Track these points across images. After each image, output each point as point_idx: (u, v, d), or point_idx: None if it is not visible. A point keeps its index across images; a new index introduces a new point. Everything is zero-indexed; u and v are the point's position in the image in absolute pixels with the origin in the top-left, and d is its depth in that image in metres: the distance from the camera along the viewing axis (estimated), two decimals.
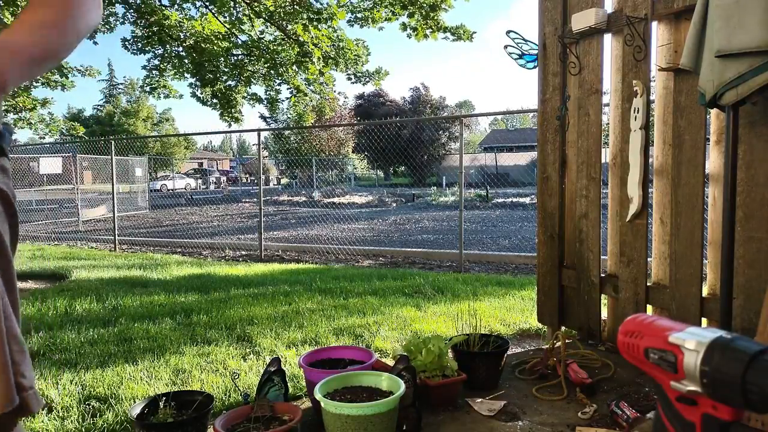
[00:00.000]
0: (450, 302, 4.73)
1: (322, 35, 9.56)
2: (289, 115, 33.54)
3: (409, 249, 9.18)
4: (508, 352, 2.95)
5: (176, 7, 9.61)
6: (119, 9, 9.63)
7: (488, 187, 22.35)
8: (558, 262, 3.46)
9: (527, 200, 19.81)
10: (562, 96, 3.37)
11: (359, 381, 2.36)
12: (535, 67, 3.59)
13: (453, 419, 2.39)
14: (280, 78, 10.57)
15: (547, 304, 3.55)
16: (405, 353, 2.57)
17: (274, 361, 2.47)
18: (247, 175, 47.87)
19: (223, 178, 43.21)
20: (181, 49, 10.01)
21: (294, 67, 10.12)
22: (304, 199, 24.08)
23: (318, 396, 2.13)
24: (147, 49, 9.98)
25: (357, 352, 2.79)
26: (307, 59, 9.55)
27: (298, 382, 2.89)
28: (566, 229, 3.44)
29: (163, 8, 9.46)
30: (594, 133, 3.20)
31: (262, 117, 39.75)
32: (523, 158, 32.73)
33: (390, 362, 3.04)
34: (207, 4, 9.57)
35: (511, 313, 4.27)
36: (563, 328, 3.45)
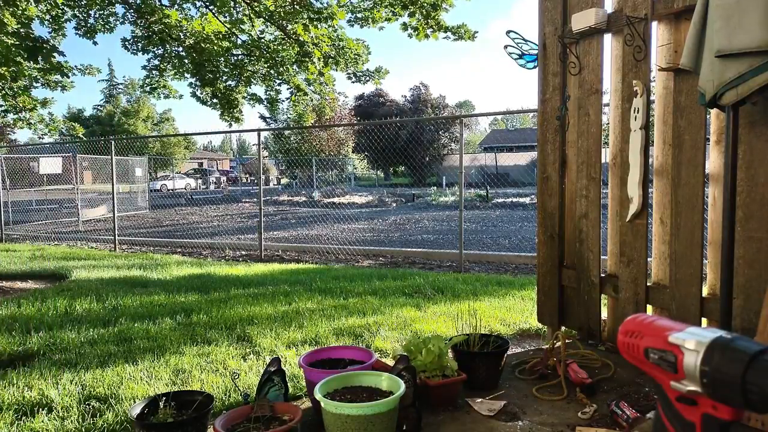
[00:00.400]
0: (450, 302, 4.73)
1: (322, 35, 9.56)
2: (289, 115, 33.55)
3: (409, 249, 9.19)
4: (508, 352, 2.95)
5: (176, 7, 9.60)
6: (119, 9, 9.63)
7: (488, 187, 22.36)
8: (558, 262, 3.46)
9: (527, 200, 19.82)
10: (562, 96, 3.37)
11: (359, 381, 2.36)
12: (535, 67, 3.59)
13: (453, 419, 2.39)
14: (280, 78, 10.57)
15: (547, 304, 3.55)
16: (405, 353, 2.57)
17: (274, 361, 2.48)
18: (247, 175, 47.86)
19: (223, 178, 43.23)
20: (181, 49, 10.00)
21: (294, 67, 10.12)
22: (304, 199, 24.08)
23: (318, 396, 2.13)
24: (147, 49, 9.98)
25: (357, 352, 2.79)
26: (307, 59, 9.55)
27: (298, 382, 2.89)
28: (566, 229, 3.44)
29: (163, 8, 9.45)
30: (594, 133, 3.20)
31: (262, 117, 39.79)
32: (523, 158, 32.74)
33: (390, 362, 3.03)
34: (207, 4, 9.57)
35: (511, 313, 4.27)
36: (563, 328, 3.45)
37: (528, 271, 7.08)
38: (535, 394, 2.62)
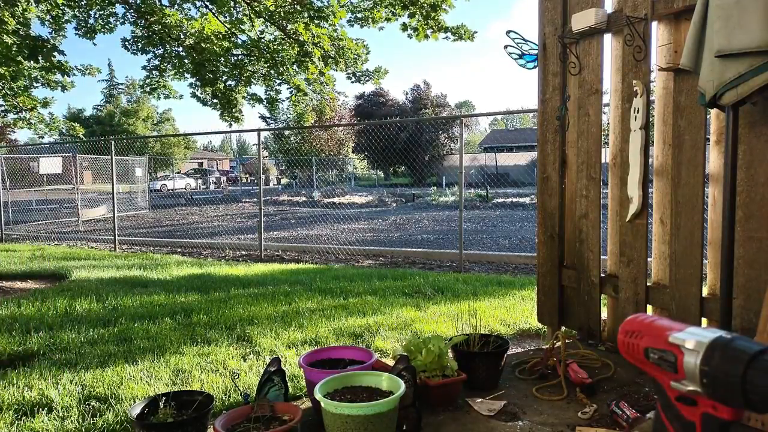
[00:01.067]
0: (450, 302, 4.73)
1: (323, 34, 9.56)
2: (289, 115, 33.55)
3: (409, 249, 9.19)
4: (508, 352, 2.95)
5: (176, 7, 9.60)
6: (119, 9, 9.63)
7: (488, 187, 22.36)
8: (558, 262, 3.46)
9: (527, 200, 19.82)
10: (562, 96, 3.37)
11: (359, 381, 2.36)
12: (535, 67, 3.59)
13: (453, 419, 2.39)
14: (280, 78, 10.57)
15: (547, 304, 3.55)
16: (405, 353, 2.57)
17: (274, 361, 2.48)
18: (247, 175, 47.87)
19: (223, 178, 43.22)
20: (181, 49, 10.00)
21: (294, 67, 10.13)
22: (304, 199, 24.08)
23: (318, 396, 2.13)
24: (147, 49, 9.97)
25: (357, 352, 2.78)
26: (308, 59, 9.55)
27: (298, 382, 2.89)
28: (566, 229, 3.44)
29: (163, 8, 9.45)
30: (594, 133, 3.20)
31: (262, 117, 39.75)
32: (523, 158, 32.73)
33: (390, 362, 3.03)
34: (207, 4, 9.56)
35: (511, 313, 4.27)
36: (563, 328, 3.45)
37: (528, 271, 7.08)
38: (535, 394, 2.62)
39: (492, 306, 4.51)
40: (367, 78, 10.99)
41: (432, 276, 6.29)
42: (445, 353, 2.58)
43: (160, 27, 9.42)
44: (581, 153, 3.28)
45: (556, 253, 3.45)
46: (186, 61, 10.09)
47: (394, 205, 21.44)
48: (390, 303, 4.76)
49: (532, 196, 19.19)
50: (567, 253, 3.45)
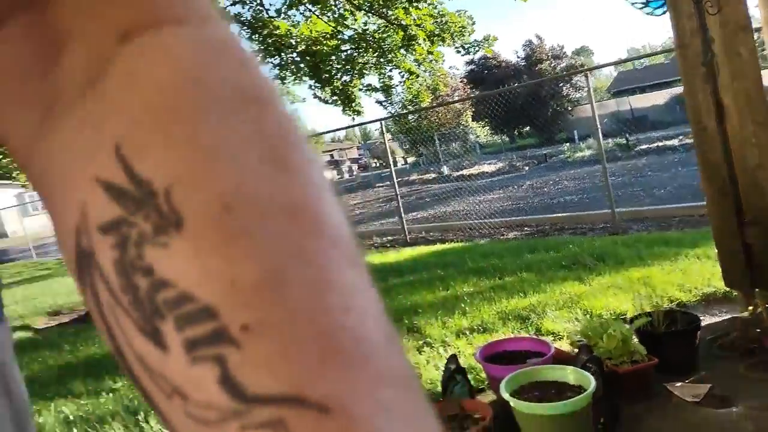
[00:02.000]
0: (615, 271, 4.44)
1: (424, 15, 9.58)
2: (403, 97, 33.70)
3: (553, 215, 8.86)
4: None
5: (282, 15, 10.07)
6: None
7: (628, 135, 20.76)
8: (736, 220, 3.14)
9: (675, 142, 18.07)
10: (705, 39, 3.03)
11: (544, 375, 2.32)
12: (664, 12, 3.27)
13: (654, 408, 2.26)
14: (390, 64, 10.75)
15: (732, 267, 3.23)
16: (583, 340, 2.49)
17: (452, 358, 2.55)
18: (376, 160, 48.81)
19: (354, 166, 44.57)
20: (295, 54, 10.44)
21: (401, 51, 10.25)
22: (434, 175, 24.09)
23: (505, 396, 2.13)
24: (266, 60, 10.48)
25: (533, 344, 2.75)
26: (414, 42, 9.65)
27: (477, 374, 2.87)
28: (739, 183, 3.11)
29: (272, 20, 9.94)
30: (751, 73, 2.86)
31: (378, 102, 40.17)
32: (660, 97, 30.20)
33: (566, 347, 2.97)
34: (309, 6, 9.90)
35: (689, 276, 3.90)
36: (757, 291, 3.12)
37: (695, 224, 6.32)
38: (745, 374, 2.38)
39: (664, 271, 4.16)
40: (477, 48, 10.87)
41: (587, 242, 5.98)
42: (629, 337, 2.46)
43: (273, 38, 9.89)
44: (739, 97, 2.94)
45: (732, 210, 3.14)
46: (302, 65, 10.53)
47: (527, 168, 20.83)
48: (549, 278, 4.61)
49: (681, 137, 17.58)
50: (745, 208, 3.12)
